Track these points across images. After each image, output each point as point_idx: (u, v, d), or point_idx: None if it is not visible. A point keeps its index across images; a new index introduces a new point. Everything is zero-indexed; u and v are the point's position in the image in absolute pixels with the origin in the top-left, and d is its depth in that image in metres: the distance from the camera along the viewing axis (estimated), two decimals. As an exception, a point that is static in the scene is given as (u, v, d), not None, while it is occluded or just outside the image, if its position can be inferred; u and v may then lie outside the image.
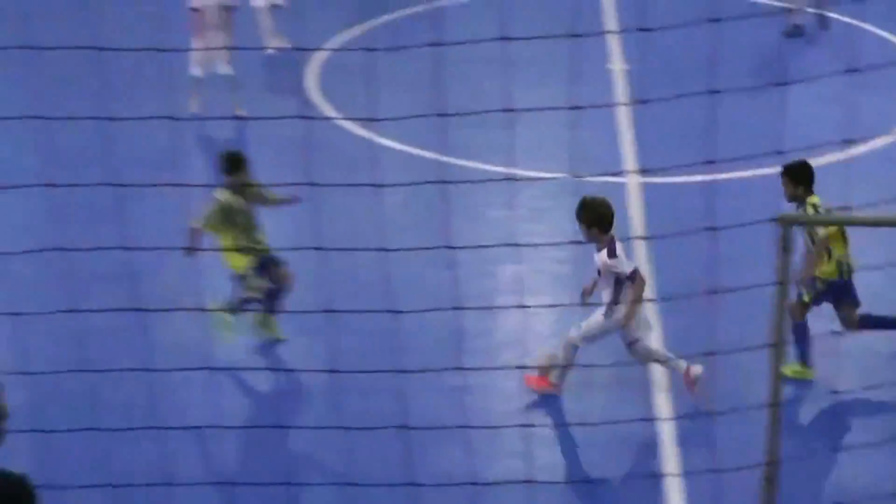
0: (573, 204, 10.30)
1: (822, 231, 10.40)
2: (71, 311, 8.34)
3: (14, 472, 5.99)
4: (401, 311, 8.16)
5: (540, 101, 15.16)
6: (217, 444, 9.39)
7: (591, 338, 10.41)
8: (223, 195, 10.94)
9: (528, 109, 8.59)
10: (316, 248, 7.62)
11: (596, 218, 10.18)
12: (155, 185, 11.86)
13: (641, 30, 7.14)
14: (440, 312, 9.16)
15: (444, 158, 14.10)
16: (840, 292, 10.67)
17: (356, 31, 19.41)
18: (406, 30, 18.94)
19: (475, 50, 9.92)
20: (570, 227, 12.17)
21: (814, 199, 10.58)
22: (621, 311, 10.20)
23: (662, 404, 10.48)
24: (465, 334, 11.34)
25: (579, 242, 10.21)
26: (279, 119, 11.20)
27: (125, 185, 8.36)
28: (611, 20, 19.62)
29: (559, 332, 11.34)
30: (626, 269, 10.20)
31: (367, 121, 12.82)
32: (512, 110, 7.77)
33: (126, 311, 8.25)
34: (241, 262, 11.10)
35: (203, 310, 8.75)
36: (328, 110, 16.42)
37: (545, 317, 11.58)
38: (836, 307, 10.81)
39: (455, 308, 8.59)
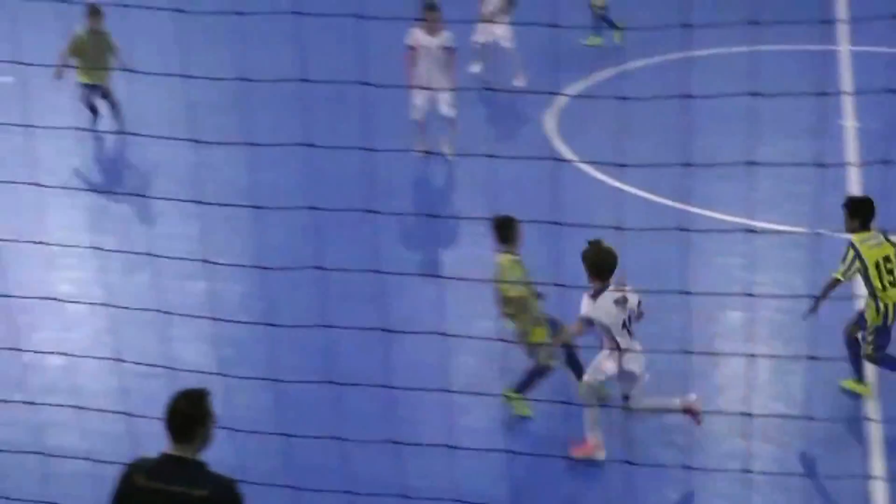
0: (801, 258, 10.10)
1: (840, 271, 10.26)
2: (325, 326, 8.64)
3: (224, 475, 6.20)
4: (627, 350, 8.18)
5: (773, 154, 15.00)
6: (450, 462, 9.54)
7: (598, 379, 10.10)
8: (504, 259, 10.65)
9: (772, 164, 8.47)
10: (556, 285, 7.71)
11: (590, 263, 9.89)
12: (398, 214, 12.18)
13: (889, 91, 6.98)
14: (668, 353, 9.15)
15: (682, 206, 13.99)
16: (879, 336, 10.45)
17: (602, 75, 19.44)
18: (654, 77, 18.79)
19: (715, 100, 9.84)
20: (797, 279, 11.98)
21: (860, 235, 10.28)
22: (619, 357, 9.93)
23: (878, 462, 10.17)
24: (690, 375, 11.22)
25: (804, 296, 10.03)
26: (519, 158, 11.29)
27: (377, 212, 8.61)
28: (846, 78, 19.20)
29: (773, 381, 11.15)
30: (580, 316, 9.95)
31: (609, 166, 12.81)
32: (755, 163, 7.70)
33: (373, 329, 8.46)
34: (542, 332, 10.69)
35: (443, 334, 8.92)
36: (567, 153, 16.47)
37: (763, 364, 11.38)
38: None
39: (684, 352, 8.55)
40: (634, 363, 9.99)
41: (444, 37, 15.73)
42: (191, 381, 6.94)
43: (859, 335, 10.54)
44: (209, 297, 12.30)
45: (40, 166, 12.85)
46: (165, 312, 9.29)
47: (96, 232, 13.59)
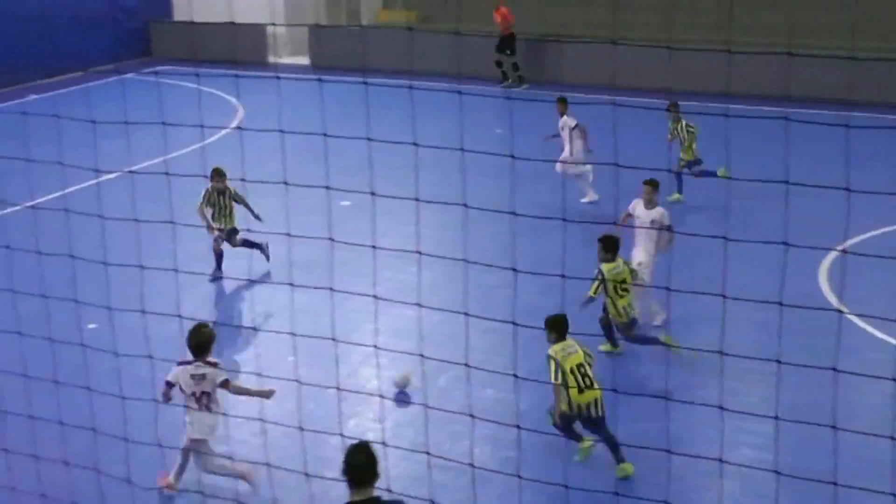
0: None
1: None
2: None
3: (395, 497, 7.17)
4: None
5: None
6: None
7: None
8: None
9: None
10: (833, 428, 7.62)
11: (193, 342, 11.13)
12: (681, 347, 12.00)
13: None
14: None
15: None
16: (622, 328, 14.38)
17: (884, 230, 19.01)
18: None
19: None
20: None
21: (606, 265, 14.13)
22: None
23: None
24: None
25: None
26: (790, 306, 11.13)
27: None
28: None
29: None
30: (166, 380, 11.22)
31: (883, 320, 12.56)
32: None
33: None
34: None
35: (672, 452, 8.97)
36: (837, 304, 16.14)
37: None
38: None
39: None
40: (199, 432, 11.17)
41: (659, 212, 16.06)
42: (481, 476, 7.25)
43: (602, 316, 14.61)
44: (497, 403, 12.74)
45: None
46: (469, 414, 9.71)
47: (407, 338, 14.21)
